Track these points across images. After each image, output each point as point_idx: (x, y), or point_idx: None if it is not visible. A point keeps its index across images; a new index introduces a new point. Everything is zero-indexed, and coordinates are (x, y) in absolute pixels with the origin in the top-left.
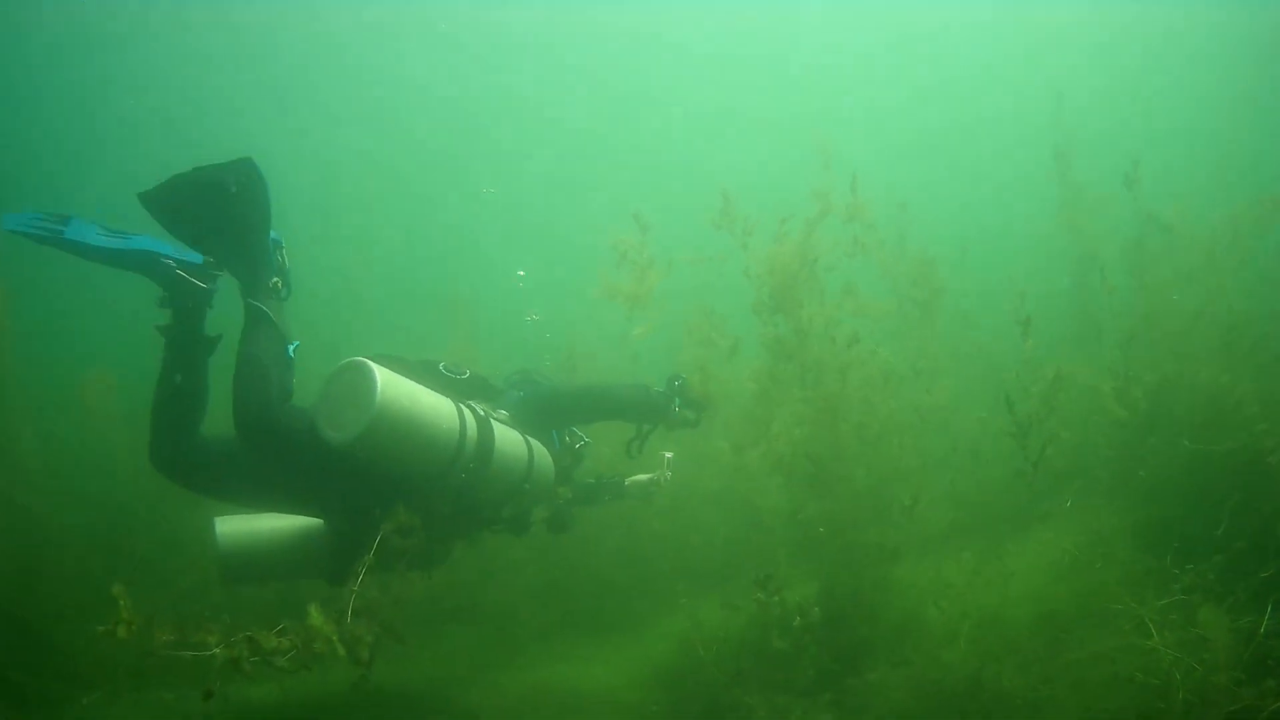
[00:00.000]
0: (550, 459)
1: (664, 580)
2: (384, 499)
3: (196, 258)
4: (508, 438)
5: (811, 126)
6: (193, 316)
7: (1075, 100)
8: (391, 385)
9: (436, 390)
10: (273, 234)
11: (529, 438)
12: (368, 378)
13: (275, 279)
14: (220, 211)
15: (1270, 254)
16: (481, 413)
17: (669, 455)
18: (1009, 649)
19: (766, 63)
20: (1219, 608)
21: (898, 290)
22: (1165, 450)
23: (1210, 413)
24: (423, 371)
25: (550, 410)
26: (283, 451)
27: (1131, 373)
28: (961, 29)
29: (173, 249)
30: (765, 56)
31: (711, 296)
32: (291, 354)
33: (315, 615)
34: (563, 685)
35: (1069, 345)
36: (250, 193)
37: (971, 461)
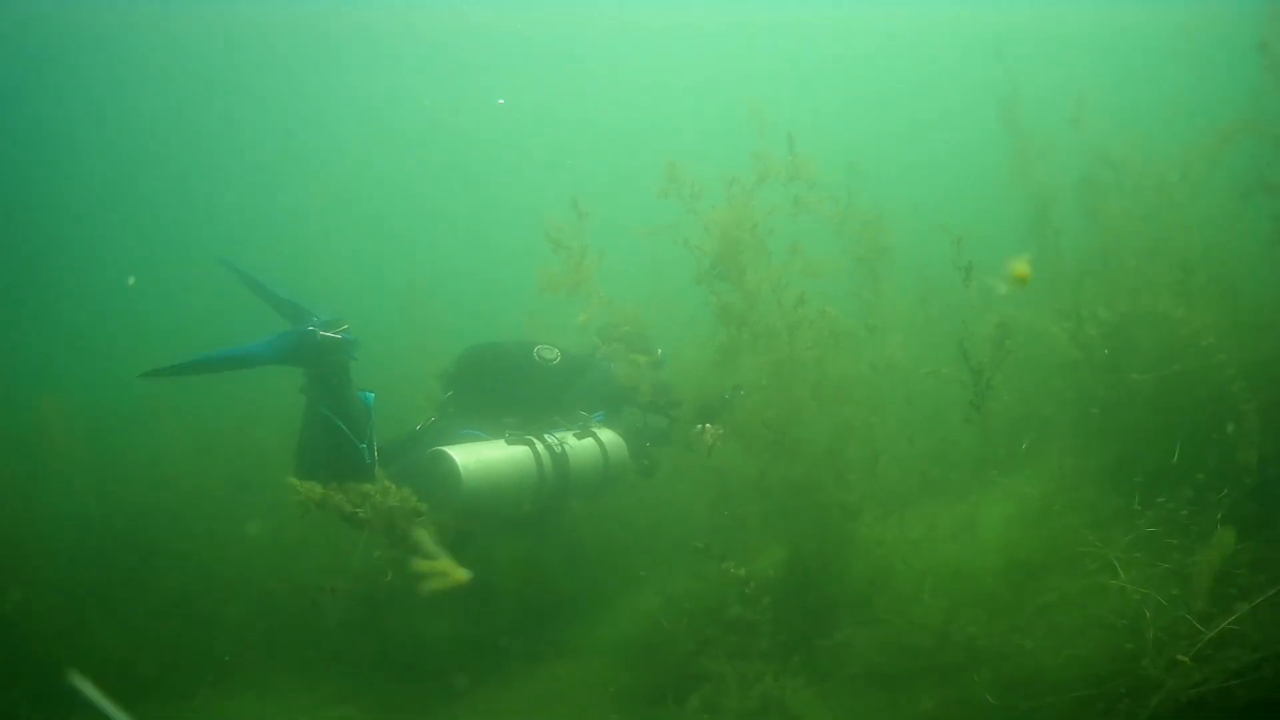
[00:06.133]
0: (623, 443)
1: (636, 558)
2: None
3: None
4: (581, 452)
5: (753, 91)
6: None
7: (1017, 46)
8: (472, 470)
9: (523, 402)
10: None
11: (602, 436)
12: (452, 468)
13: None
14: None
15: (1221, 186)
16: (556, 444)
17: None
18: (978, 600)
19: (704, 31)
20: (1185, 540)
21: (849, 250)
22: (1123, 387)
23: (1168, 346)
24: (514, 358)
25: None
26: None
27: (1085, 312)
28: None
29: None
30: (704, 25)
31: (654, 276)
32: (366, 450)
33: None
34: (541, 674)
35: (1028, 291)
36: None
37: (931, 416)
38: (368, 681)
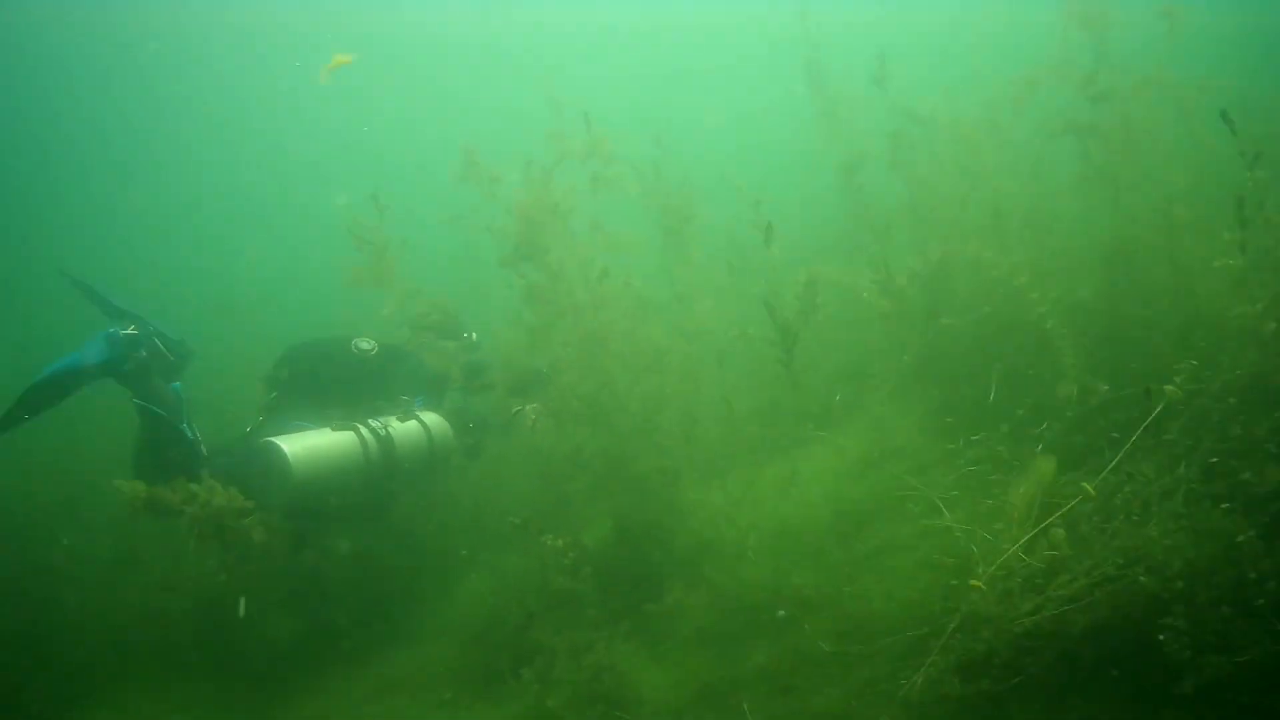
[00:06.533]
0: (446, 424)
1: (467, 540)
2: None
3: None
4: (406, 434)
5: (551, 71)
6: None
7: (821, 8)
8: (301, 457)
9: (343, 400)
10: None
11: (425, 419)
12: (280, 457)
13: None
14: None
15: (1029, 132)
16: (380, 428)
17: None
18: (806, 553)
19: (500, 11)
20: (1007, 475)
21: (657, 222)
22: (937, 333)
23: (982, 289)
24: (333, 354)
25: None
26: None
27: (893, 263)
28: None
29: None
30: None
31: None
32: (186, 428)
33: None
34: (381, 662)
35: (843, 251)
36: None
37: (747, 378)
38: (214, 685)
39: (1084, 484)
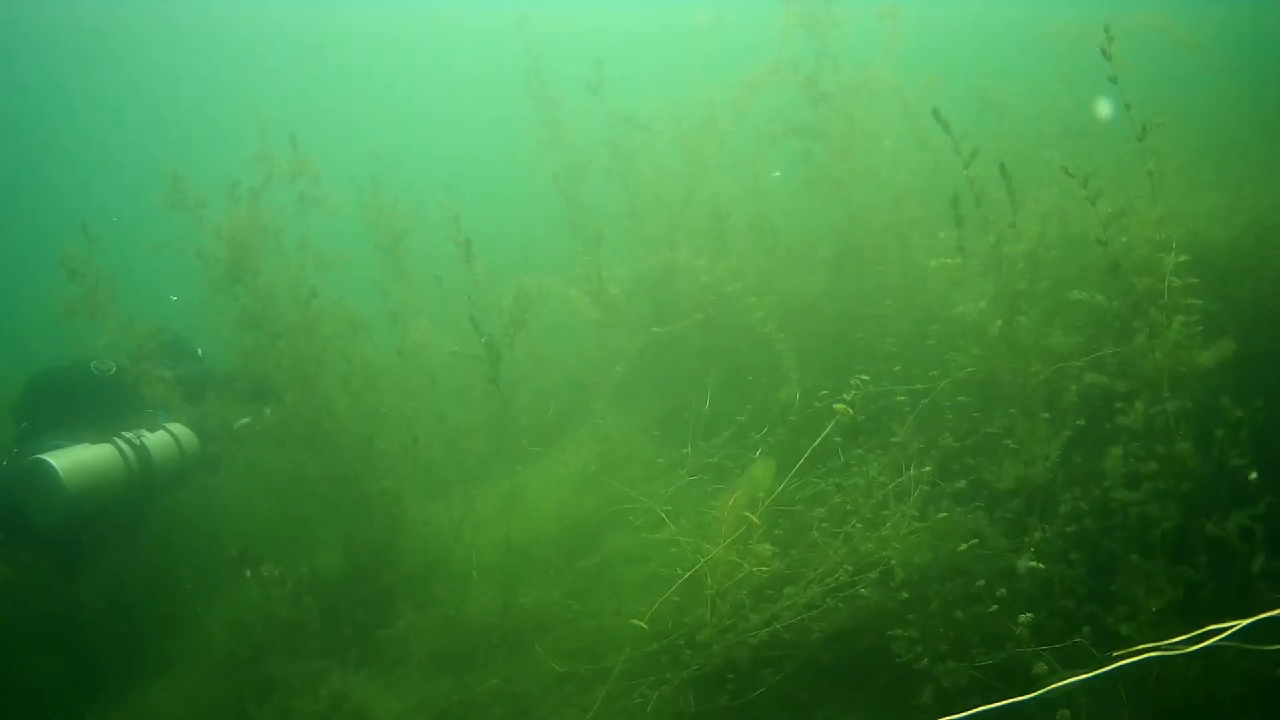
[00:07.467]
0: (193, 435)
1: (212, 566)
2: None
3: None
4: (159, 443)
5: (259, 92)
6: None
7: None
8: (69, 469)
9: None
10: None
11: (172, 429)
12: (50, 472)
13: None
14: None
15: (751, 136)
16: (136, 439)
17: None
18: (534, 570)
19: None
20: (728, 485)
21: (371, 239)
22: (655, 342)
23: (699, 295)
24: (75, 378)
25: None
26: None
27: (608, 272)
28: None
29: None
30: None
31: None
32: None
33: None
34: (138, 696)
35: (563, 262)
36: None
37: (465, 395)
38: None
39: (747, 514)
